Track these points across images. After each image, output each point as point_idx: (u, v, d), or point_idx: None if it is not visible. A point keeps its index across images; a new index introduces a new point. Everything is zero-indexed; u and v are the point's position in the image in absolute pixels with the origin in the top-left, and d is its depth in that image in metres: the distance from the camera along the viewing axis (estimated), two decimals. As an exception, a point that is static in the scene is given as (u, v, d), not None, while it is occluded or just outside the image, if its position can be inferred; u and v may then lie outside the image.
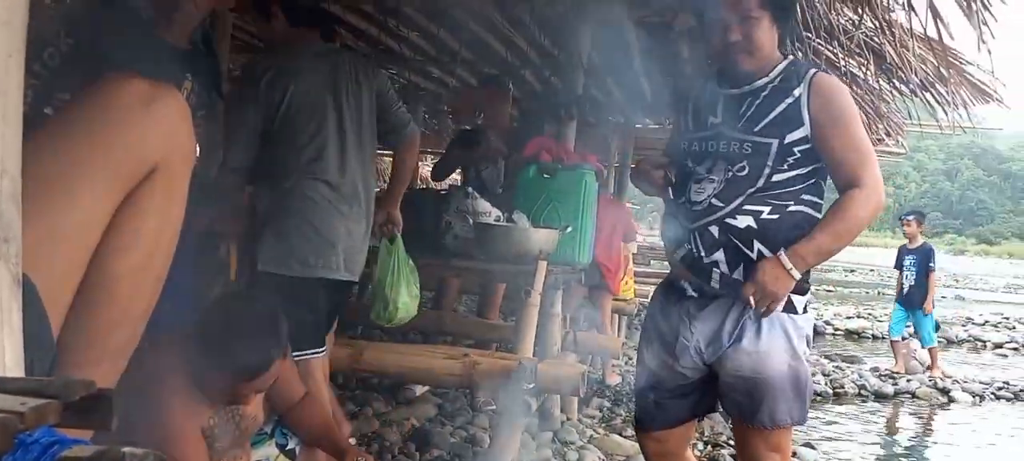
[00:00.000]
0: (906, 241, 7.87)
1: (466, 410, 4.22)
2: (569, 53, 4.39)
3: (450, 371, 3.10)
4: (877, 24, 3.49)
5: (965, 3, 2.69)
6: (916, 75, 4.02)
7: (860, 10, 3.32)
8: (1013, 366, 9.56)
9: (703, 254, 2.01)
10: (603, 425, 4.57)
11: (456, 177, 5.77)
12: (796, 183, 1.97)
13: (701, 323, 2.04)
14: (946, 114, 4.51)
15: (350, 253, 2.65)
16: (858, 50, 3.71)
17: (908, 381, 7.36)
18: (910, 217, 7.80)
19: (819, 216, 2.01)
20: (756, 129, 1.97)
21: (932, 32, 2.97)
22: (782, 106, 1.96)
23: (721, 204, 1.99)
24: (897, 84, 4.46)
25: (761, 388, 1.98)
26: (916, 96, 4.54)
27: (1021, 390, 7.43)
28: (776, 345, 1.97)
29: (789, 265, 1.90)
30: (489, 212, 3.56)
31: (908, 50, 3.81)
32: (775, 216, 1.96)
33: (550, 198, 3.67)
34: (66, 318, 1.15)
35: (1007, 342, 11.36)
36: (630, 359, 6.73)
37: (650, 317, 2.22)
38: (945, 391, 7.20)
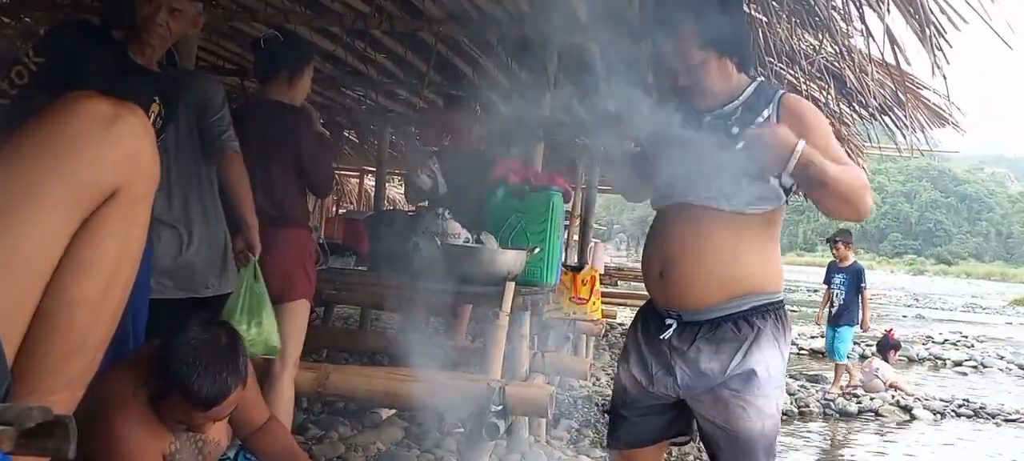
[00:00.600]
0: (834, 258, 7.87)
1: (434, 433, 4.19)
2: (536, 75, 4.41)
3: (417, 394, 3.07)
4: (837, 49, 3.56)
5: (920, 30, 2.75)
6: (875, 99, 4.11)
7: (820, 36, 3.39)
8: (972, 384, 9.73)
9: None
10: (571, 446, 4.56)
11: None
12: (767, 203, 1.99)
13: (681, 357, 2.00)
14: (904, 137, 4.61)
15: (184, 271, 2.59)
16: (819, 75, 3.78)
17: (871, 399, 7.46)
18: (838, 240, 7.77)
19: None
20: None
21: (890, 58, 3.05)
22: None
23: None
24: (857, 108, 4.56)
25: (731, 437, 1.96)
26: (875, 120, 4.64)
27: (981, 407, 7.56)
28: (758, 402, 1.93)
29: (800, 144, 1.78)
30: (459, 234, 3.56)
31: (867, 75, 3.89)
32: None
33: (518, 219, 3.68)
34: (21, 345, 1.12)
35: (966, 360, 11.57)
36: (597, 380, 6.74)
37: (631, 334, 2.19)
38: (907, 409, 7.31)
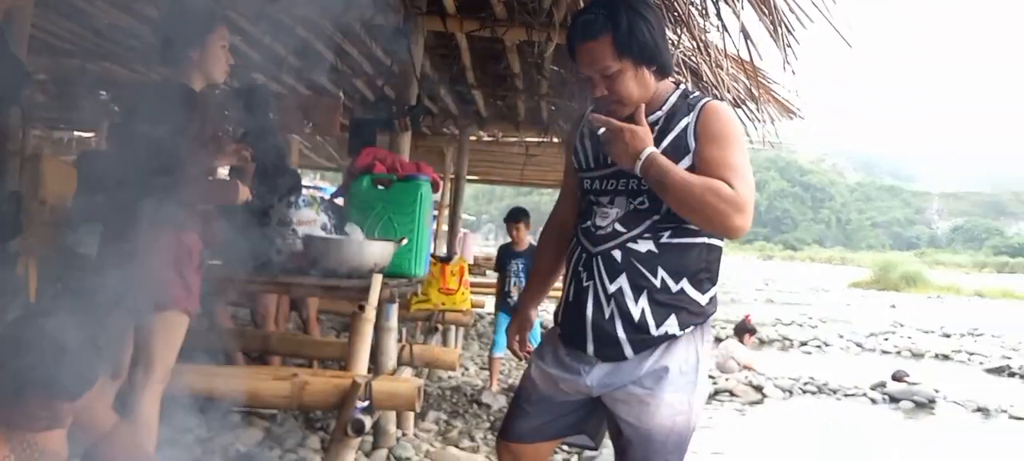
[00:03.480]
0: (509, 241, 6.69)
1: (296, 432, 4.05)
2: (403, 63, 4.33)
3: (278, 393, 2.95)
4: (694, 44, 3.68)
5: (772, 27, 2.88)
6: (730, 93, 4.28)
7: (679, 31, 3.49)
8: (816, 362, 10.43)
9: (607, 281, 1.96)
10: (440, 438, 4.53)
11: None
12: None
13: (602, 363, 2.00)
14: (756, 130, 4.84)
15: None
16: (677, 69, 3.90)
17: (727, 380, 7.85)
18: (517, 221, 6.44)
19: (721, 245, 2.02)
20: None
21: (744, 53, 3.18)
22: (672, 137, 1.94)
23: (624, 229, 1.96)
24: (713, 101, 4.74)
25: (642, 434, 1.96)
26: (730, 112, 4.84)
27: (824, 384, 8.12)
28: (669, 398, 1.93)
29: (648, 149, 1.85)
30: (313, 220, 3.44)
31: (722, 70, 4.05)
32: (675, 239, 1.95)
33: (385, 209, 3.59)
34: None
35: (810, 340, 12.40)
36: (466, 370, 6.74)
37: (551, 333, 2.17)
38: (759, 388, 7.74)
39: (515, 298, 6.27)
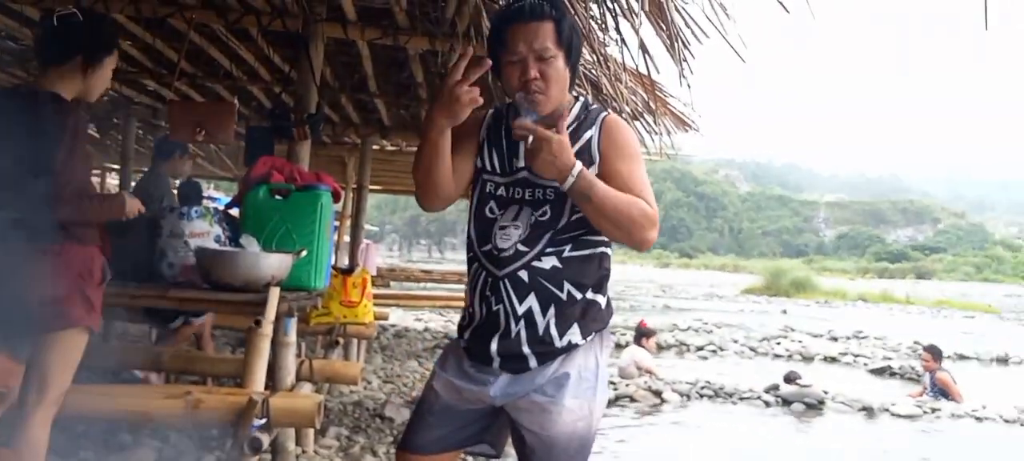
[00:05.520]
0: None
1: (190, 452, 3.89)
2: (302, 70, 4.24)
3: (170, 412, 2.82)
4: (594, 58, 3.75)
5: (669, 42, 2.97)
6: (628, 106, 4.38)
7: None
8: (711, 367, 10.78)
9: (516, 303, 1.96)
10: (341, 453, 4.44)
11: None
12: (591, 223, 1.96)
13: (505, 373, 1.99)
14: (653, 141, 4.97)
15: None
16: (578, 81, 3.96)
17: (627, 385, 8.00)
18: None
19: (612, 253, 2.06)
20: None
21: (642, 67, 3.26)
22: (577, 147, 1.94)
23: (527, 249, 1.95)
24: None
25: (544, 441, 1.96)
26: (628, 125, 4.96)
27: (721, 388, 8.38)
28: (569, 403, 1.94)
29: (576, 166, 1.83)
30: (207, 232, 3.31)
31: (621, 83, 4.15)
32: (576, 252, 1.96)
33: (283, 220, 3.49)
34: None
35: (706, 345, 12.80)
36: (368, 384, 6.63)
37: (454, 343, 2.15)
38: (658, 393, 7.92)
39: None
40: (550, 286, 1.96)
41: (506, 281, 1.98)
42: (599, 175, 1.93)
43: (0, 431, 2.34)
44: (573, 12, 3.23)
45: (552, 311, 1.96)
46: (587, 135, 1.97)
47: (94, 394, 2.91)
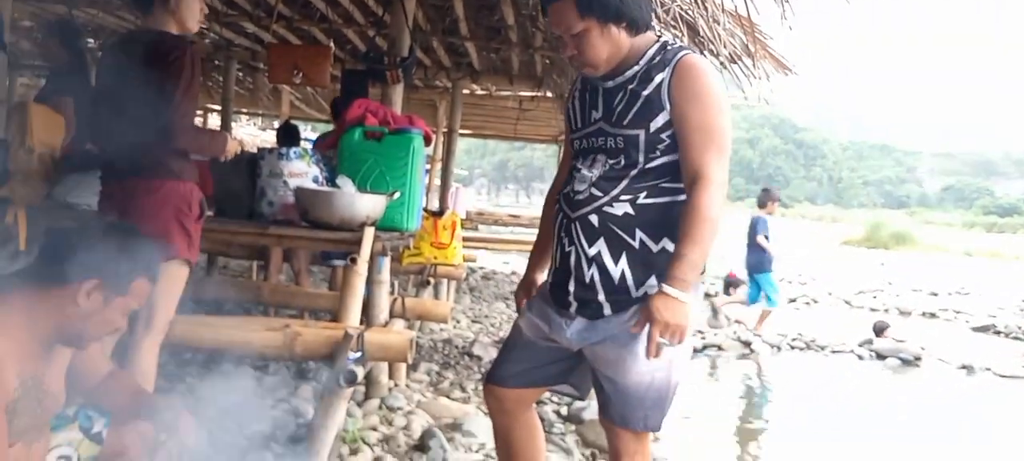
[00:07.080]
0: None
1: (288, 382, 4.07)
2: (395, 13, 4.27)
3: (270, 343, 2.96)
4: (691, -2, 3.64)
5: (770, -20, 2.85)
6: (726, 48, 4.24)
7: (676, -16, 3.44)
8: (805, 319, 10.51)
9: (586, 245, 1.98)
10: (432, 389, 4.57)
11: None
12: (670, 171, 1.95)
13: (581, 318, 2.03)
14: (751, 86, 4.80)
15: None
16: (673, 23, 3.85)
17: (715, 335, 7.92)
18: None
19: None
20: (626, 122, 1.95)
21: (741, 8, 3.15)
22: (647, 93, 1.93)
23: (600, 194, 1.97)
24: (708, 56, 4.70)
25: (619, 389, 1.99)
26: (725, 68, 4.80)
27: (813, 340, 8.19)
28: (640, 353, 1.92)
29: (676, 293, 1.83)
30: (305, 173, 3.42)
31: (719, 24, 4.01)
32: (651, 200, 1.95)
33: (377, 162, 3.56)
34: None
35: (800, 296, 12.48)
36: (457, 323, 6.78)
37: (541, 287, 2.22)
38: (747, 344, 7.81)
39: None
40: (621, 232, 1.96)
41: (577, 223, 2.01)
42: (670, 119, 1.91)
43: (116, 356, 2.51)
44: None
45: (624, 259, 1.96)
46: (658, 79, 1.93)
47: (199, 325, 3.07)
